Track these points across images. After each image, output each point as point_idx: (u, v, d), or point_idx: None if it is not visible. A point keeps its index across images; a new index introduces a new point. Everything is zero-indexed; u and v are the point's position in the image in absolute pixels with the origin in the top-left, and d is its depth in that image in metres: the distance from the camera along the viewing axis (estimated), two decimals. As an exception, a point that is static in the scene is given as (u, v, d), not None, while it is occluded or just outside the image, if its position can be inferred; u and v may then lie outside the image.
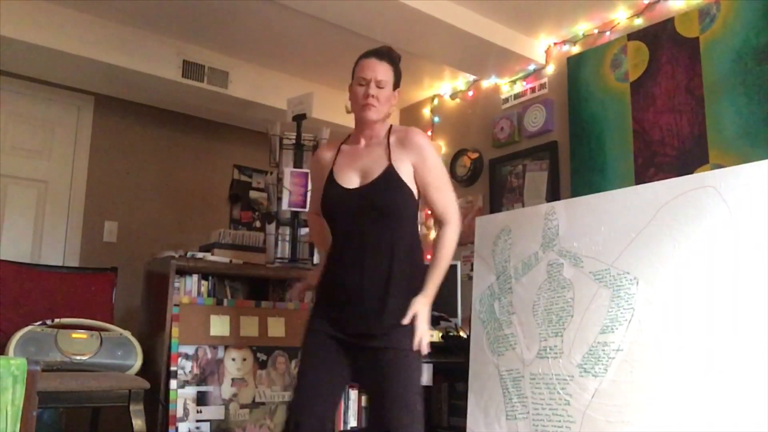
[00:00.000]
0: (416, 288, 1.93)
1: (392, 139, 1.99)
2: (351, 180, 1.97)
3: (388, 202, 1.92)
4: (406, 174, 1.94)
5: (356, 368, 1.95)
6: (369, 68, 1.95)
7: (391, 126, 2.05)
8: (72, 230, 3.84)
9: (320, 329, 1.95)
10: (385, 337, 1.87)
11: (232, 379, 2.80)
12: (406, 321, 1.87)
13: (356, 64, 2.00)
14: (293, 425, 1.87)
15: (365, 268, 1.89)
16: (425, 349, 1.91)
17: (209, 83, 3.85)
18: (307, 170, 3.14)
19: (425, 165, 1.96)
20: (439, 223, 2.01)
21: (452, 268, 3.43)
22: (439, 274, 1.96)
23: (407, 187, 1.94)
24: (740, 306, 2.15)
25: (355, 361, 1.94)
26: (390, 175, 1.93)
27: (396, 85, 2.02)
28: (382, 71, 1.95)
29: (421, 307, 1.91)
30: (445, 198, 2.00)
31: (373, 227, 1.91)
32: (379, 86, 1.94)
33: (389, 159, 1.95)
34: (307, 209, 3.09)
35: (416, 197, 1.99)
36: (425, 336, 1.91)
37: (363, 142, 2.03)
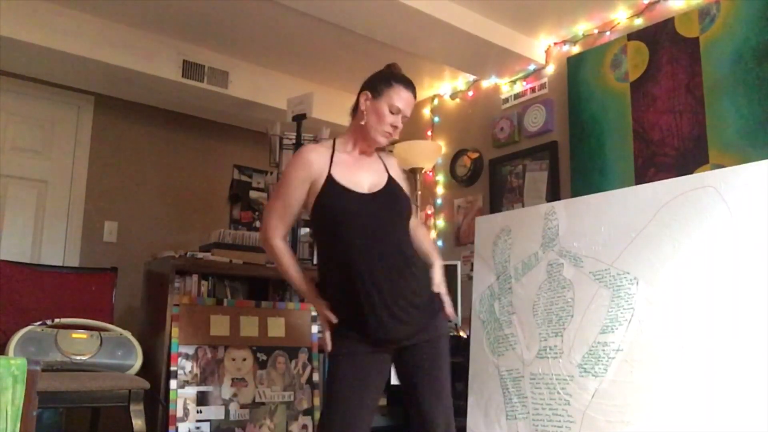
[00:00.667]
0: (428, 278, 2.04)
1: (384, 158, 2.11)
2: (360, 186, 1.95)
3: (404, 206, 2.02)
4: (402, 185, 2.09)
5: (398, 369, 1.99)
6: (405, 102, 1.98)
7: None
8: (72, 230, 3.84)
9: (353, 350, 1.91)
10: (426, 330, 1.96)
11: (232, 379, 2.80)
12: (442, 291, 2.03)
13: (390, 84, 1.97)
14: None
15: (392, 270, 1.90)
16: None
17: (209, 83, 3.85)
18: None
19: (405, 180, 2.14)
20: (414, 224, 2.15)
21: (452, 268, 3.44)
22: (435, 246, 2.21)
23: (406, 194, 2.08)
24: (740, 306, 2.15)
25: (395, 363, 1.98)
26: (395, 183, 2.03)
27: None
28: (411, 109, 2.03)
29: (442, 277, 2.07)
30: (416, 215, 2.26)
31: (394, 229, 1.97)
32: (403, 120, 2.01)
33: (387, 172, 2.04)
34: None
35: None
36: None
37: (357, 152, 2.04)
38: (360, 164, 2.01)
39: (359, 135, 2.02)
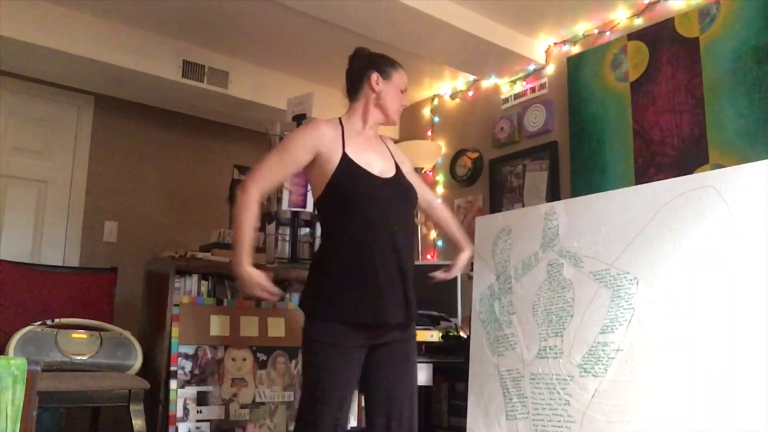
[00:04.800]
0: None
1: (388, 144, 2.18)
2: (371, 167, 1.98)
3: (412, 195, 2.09)
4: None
5: (368, 366, 1.98)
6: (406, 84, 2.15)
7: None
8: (72, 230, 3.84)
9: (344, 344, 1.90)
10: (409, 328, 2.02)
11: (232, 379, 2.80)
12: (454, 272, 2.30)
13: (395, 67, 2.12)
14: None
15: (404, 256, 1.96)
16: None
17: (209, 83, 3.85)
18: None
19: (413, 170, 2.24)
20: (433, 206, 2.32)
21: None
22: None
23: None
24: (740, 306, 2.15)
25: (368, 358, 1.97)
26: (401, 171, 2.10)
27: None
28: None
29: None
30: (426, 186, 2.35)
31: (405, 216, 2.02)
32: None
33: (393, 159, 2.11)
34: (306, 208, 3.09)
35: None
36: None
37: (367, 132, 2.08)
38: (369, 145, 2.06)
39: (370, 114, 2.07)
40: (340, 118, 2.08)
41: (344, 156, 1.93)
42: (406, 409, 1.97)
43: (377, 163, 2.01)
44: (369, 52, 2.15)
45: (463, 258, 2.27)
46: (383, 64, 2.10)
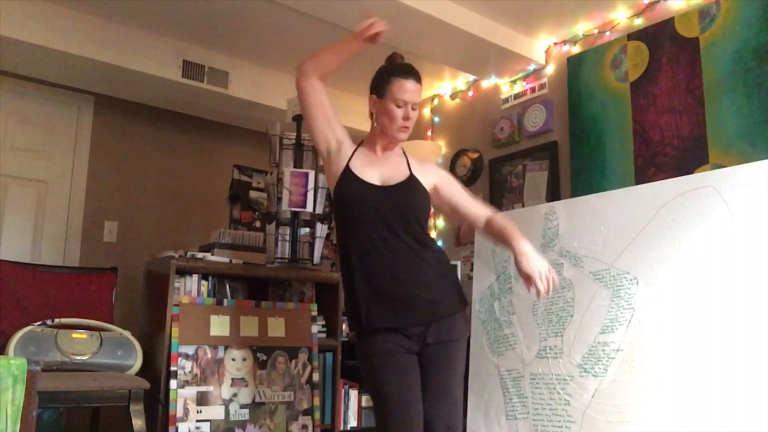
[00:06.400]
0: (449, 277, 2.02)
1: (410, 159, 2.09)
2: (369, 179, 1.99)
3: (413, 200, 1.99)
4: (427, 187, 2.05)
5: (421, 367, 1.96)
6: (408, 92, 1.96)
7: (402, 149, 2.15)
8: (72, 230, 3.84)
9: (387, 346, 1.90)
10: (440, 330, 1.92)
11: (232, 379, 2.80)
12: (524, 267, 1.82)
13: (389, 80, 1.98)
14: None
15: (394, 260, 1.93)
16: (552, 279, 1.83)
17: (209, 83, 3.85)
18: (307, 170, 3.14)
19: (451, 182, 2.12)
20: (480, 216, 2.07)
21: (452, 269, 3.44)
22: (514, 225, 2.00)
23: (427, 192, 2.05)
24: (740, 306, 2.15)
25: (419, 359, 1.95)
26: (413, 180, 2.02)
27: None
28: (419, 95, 2.01)
29: (528, 247, 1.87)
30: (475, 202, 2.13)
31: (401, 221, 1.95)
32: (413, 109, 1.99)
33: (410, 170, 2.03)
34: (306, 209, 3.09)
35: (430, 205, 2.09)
36: (543, 267, 1.83)
37: (379, 151, 2.07)
38: (378, 161, 2.04)
39: (378, 137, 2.06)
40: (361, 141, 2.11)
41: (346, 167, 2.00)
42: (438, 416, 1.90)
43: (378, 175, 2.01)
44: (386, 60, 2.08)
45: (517, 250, 1.88)
46: (379, 81, 2.01)
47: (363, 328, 1.93)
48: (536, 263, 1.82)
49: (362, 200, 1.95)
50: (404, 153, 2.12)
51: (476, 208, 2.10)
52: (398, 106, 1.96)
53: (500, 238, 1.98)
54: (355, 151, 2.05)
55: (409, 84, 1.96)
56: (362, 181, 1.97)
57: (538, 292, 1.81)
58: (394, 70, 2.00)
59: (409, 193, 1.99)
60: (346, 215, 1.98)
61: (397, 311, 1.90)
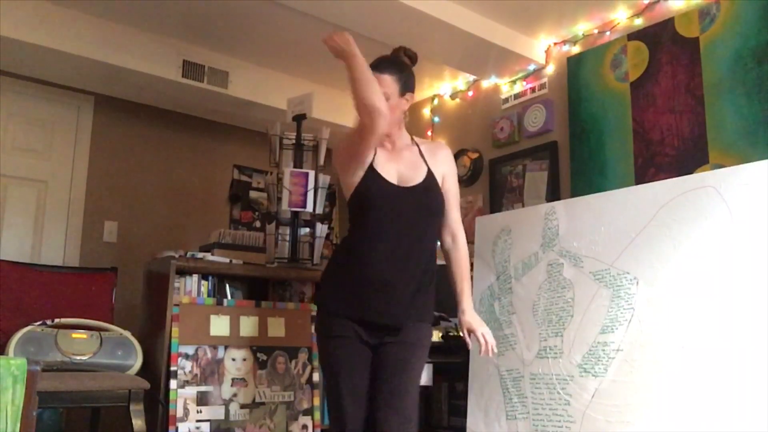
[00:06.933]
0: (433, 285, 2.05)
1: (423, 147, 2.10)
2: (389, 175, 2.01)
3: (435, 204, 2.04)
4: (438, 178, 2.07)
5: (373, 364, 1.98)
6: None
7: (411, 135, 2.14)
8: (72, 230, 3.84)
9: (346, 334, 1.94)
10: (406, 332, 1.96)
11: (232, 379, 2.80)
12: (483, 345, 2.00)
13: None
14: None
15: (406, 262, 1.95)
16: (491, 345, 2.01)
17: (209, 83, 3.85)
18: (307, 170, 3.14)
19: (453, 176, 2.13)
20: (451, 234, 2.11)
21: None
22: (469, 283, 2.11)
23: (441, 192, 2.07)
24: (740, 306, 2.15)
25: (373, 356, 1.98)
26: (433, 179, 2.04)
27: (404, 89, 2.03)
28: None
29: (478, 319, 2.05)
30: (458, 210, 2.15)
31: (419, 224, 1.99)
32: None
33: (427, 165, 2.05)
34: (306, 209, 3.09)
35: None
36: (486, 330, 2.02)
37: (389, 146, 2.08)
38: (393, 157, 2.05)
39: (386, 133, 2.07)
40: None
41: (370, 166, 2.01)
42: (388, 417, 1.90)
43: (395, 171, 2.03)
44: None
45: (464, 322, 2.05)
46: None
47: (330, 312, 1.98)
48: (478, 323, 2.03)
49: (383, 199, 1.97)
50: (413, 140, 2.12)
51: (451, 221, 2.11)
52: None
53: (453, 282, 2.08)
54: (376, 151, 2.05)
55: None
56: (385, 180, 1.99)
57: (480, 347, 2.00)
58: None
59: (429, 195, 2.02)
60: (367, 209, 1.99)
61: (378, 306, 1.93)
